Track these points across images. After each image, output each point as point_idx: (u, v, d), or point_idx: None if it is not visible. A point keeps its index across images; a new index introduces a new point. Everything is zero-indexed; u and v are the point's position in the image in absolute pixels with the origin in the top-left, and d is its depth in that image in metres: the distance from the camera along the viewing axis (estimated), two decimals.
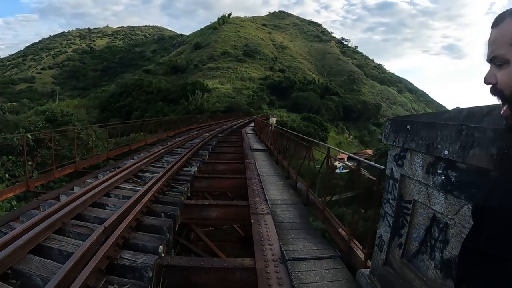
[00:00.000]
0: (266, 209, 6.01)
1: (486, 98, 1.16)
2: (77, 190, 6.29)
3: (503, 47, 1.00)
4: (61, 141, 14.02)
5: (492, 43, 1.04)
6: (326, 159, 6.47)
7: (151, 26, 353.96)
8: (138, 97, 69.52)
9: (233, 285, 3.78)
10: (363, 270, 3.40)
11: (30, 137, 10.10)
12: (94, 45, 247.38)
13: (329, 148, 6.49)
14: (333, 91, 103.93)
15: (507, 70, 0.99)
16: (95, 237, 3.98)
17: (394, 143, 2.77)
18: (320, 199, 6.23)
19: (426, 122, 2.35)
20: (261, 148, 15.88)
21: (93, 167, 12.32)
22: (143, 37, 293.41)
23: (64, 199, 5.56)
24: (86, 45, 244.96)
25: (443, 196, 2.21)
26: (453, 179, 2.09)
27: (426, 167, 2.37)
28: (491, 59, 1.04)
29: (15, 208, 9.24)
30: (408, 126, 2.55)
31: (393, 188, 2.85)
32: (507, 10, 1.04)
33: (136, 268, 3.66)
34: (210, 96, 70.61)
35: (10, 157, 10.83)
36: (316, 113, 76.57)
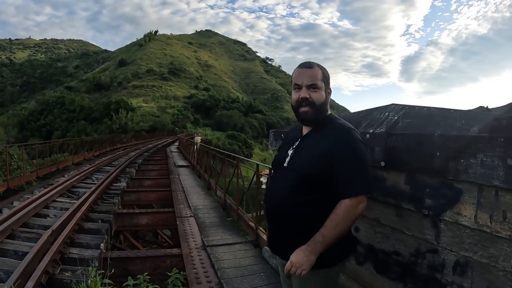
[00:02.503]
0: (190, 213, 6.82)
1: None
2: (17, 204, 6.74)
3: (317, 81, 1.78)
4: None
5: (310, 77, 1.78)
6: (255, 175, 6.60)
7: (75, 40, 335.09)
8: (60, 115, 65.35)
9: (165, 271, 4.48)
10: (266, 247, 4.42)
11: None
12: (15, 57, 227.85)
13: (257, 164, 6.63)
14: (257, 109, 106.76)
15: (318, 92, 1.78)
16: (45, 238, 4.58)
17: (276, 148, 3.86)
18: (234, 201, 7.22)
19: (286, 131, 3.49)
20: (185, 164, 16.58)
21: (23, 186, 12.29)
22: (66, 51, 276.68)
23: (7, 211, 6.00)
24: (6, 57, 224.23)
25: None
26: None
27: None
28: (309, 86, 1.77)
29: None
30: (282, 135, 3.63)
31: None
32: (316, 63, 1.83)
33: (84, 259, 4.36)
34: (134, 115, 69.11)
35: None
36: (241, 131, 78.46)
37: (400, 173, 2.12)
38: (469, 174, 1.64)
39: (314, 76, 1.78)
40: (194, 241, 5.22)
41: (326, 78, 1.82)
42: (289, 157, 1.85)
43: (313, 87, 1.77)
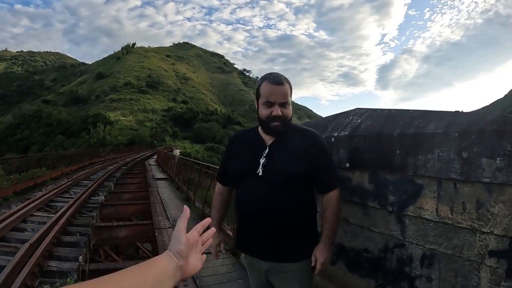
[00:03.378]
0: (168, 224, 6.81)
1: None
2: None
3: (288, 97, 1.84)
4: None
5: (282, 95, 1.82)
6: None
7: (53, 52, 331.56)
8: (37, 129, 64.39)
9: None
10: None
11: None
12: None
13: None
14: (235, 121, 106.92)
15: (288, 108, 1.84)
16: (23, 251, 4.55)
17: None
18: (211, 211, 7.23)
19: None
20: (163, 177, 16.50)
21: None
22: (43, 63, 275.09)
23: None
24: None
25: None
26: None
27: None
28: (281, 103, 1.81)
29: None
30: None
31: None
32: (283, 77, 1.86)
33: (63, 272, 4.38)
34: (113, 129, 68.40)
35: None
36: (220, 143, 78.38)
37: (364, 173, 2.23)
38: (428, 168, 1.73)
39: (286, 93, 1.84)
40: None
41: (291, 91, 1.90)
42: (261, 166, 1.86)
43: (284, 104, 1.84)
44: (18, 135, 62.50)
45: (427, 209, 1.80)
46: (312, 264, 1.86)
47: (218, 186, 2.19)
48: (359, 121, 2.34)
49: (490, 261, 1.56)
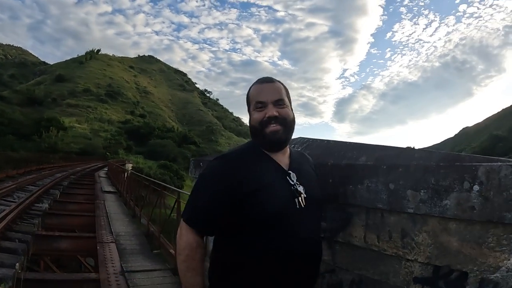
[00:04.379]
0: (111, 239, 6.67)
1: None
2: None
3: (283, 96, 1.57)
4: None
5: (275, 92, 1.56)
6: (176, 203, 6.70)
7: (15, 46, 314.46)
8: None
9: None
10: None
11: None
12: None
13: (179, 192, 6.90)
14: (191, 140, 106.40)
15: (285, 109, 1.56)
16: None
17: (194, 175, 3.99)
18: (156, 229, 7.16)
19: (206, 160, 3.64)
20: (112, 190, 16.32)
21: None
22: (3, 57, 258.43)
23: None
24: None
25: None
26: None
27: None
28: (275, 101, 1.54)
29: None
30: (201, 163, 3.77)
31: None
32: (273, 78, 1.66)
33: None
34: (66, 135, 65.78)
35: None
36: (173, 161, 77.30)
37: None
38: (357, 198, 1.86)
39: (278, 90, 1.58)
40: (113, 266, 5.13)
41: (288, 95, 1.64)
42: (302, 195, 1.53)
43: (280, 103, 1.55)
44: None
45: (355, 236, 1.90)
46: None
47: (192, 236, 1.48)
48: (299, 149, 2.47)
49: (415, 287, 1.66)
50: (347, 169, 1.94)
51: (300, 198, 1.52)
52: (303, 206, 1.51)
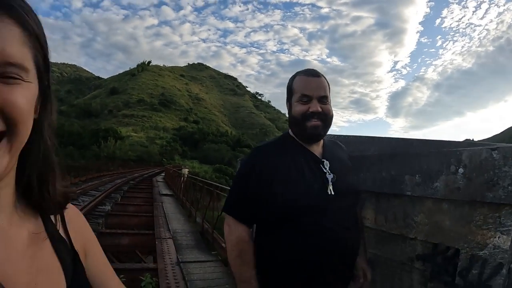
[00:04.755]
0: (169, 235, 7.26)
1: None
2: None
3: (327, 91, 1.59)
4: None
5: (318, 88, 1.56)
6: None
7: (69, 64, 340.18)
8: None
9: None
10: None
11: None
12: None
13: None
14: (244, 144, 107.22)
15: (328, 105, 1.57)
16: None
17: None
18: (209, 225, 7.67)
19: None
20: (169, 193, 17.17)
21: None
22: (59, 74, 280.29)
23: None
24: None
25: None
26: None
27: None
28: (321, 97, 1.55)
29: None
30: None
31: None
32: (319, 71, 1.63)
33: None
34: (123, 144, 69.41)
35: None
36: (228, 165, 78.64)
37: None
38: (368, 184, 2.13)
39: (324, 87, 1.59)
40: (170, 258, 5.64)
41: (329, 89, 1.65)
42: (330, 183, 1.55)
43: (324, 99, 1.58)
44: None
45: (368, 218, 2.16)
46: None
47: (243, 230, 1.55)
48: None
49: (418, 264, 1.88)
50: (359, 159, 2.20)
51: (331, 185, 1.54)
52: (334, 193, 1.52)
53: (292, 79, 1.67)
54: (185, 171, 36.77)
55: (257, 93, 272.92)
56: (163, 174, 34.49)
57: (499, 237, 1.48)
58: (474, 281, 1.53)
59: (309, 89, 1.56)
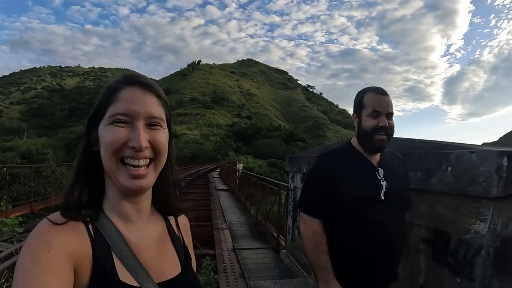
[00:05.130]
0: (225, 226, 7.99)
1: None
2: None
3: (392, 109, 1.79)
4: (34, 177, 13.76)
5: (389, 106, 1.77)
6: (277, 195, 7.52)
7: (122, 69, 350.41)
8: None
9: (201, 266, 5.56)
10: (284, 250, 5.44)
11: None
12: (64, 84, 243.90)
13: (280, 185, 7.57)
14: (298, 137, 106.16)
15: (392, 121, 1.78)
16: None
17: (289, 170, 4.91)
18: (263, 217, 8.28)
19: (296, 156, 4.52)
20: (225, 188, 17.97)
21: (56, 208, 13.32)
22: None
23: None
24: (56, 84, 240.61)
25: None
26: None
27: (301, 179, 4.48)
28: (388, 114, 1.76)
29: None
30: (293, 160, 4.67)
31: (291, 194, 4.97)
32: (386, 90, 1.83)
33: None
34: (178, 142, 71.60)
35: None
36: (282, 159, 78.55)
37: None
38: None
39: (391, 105, 1.80)
40: (226, 245, 6.37)
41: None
42: (383, 189, 1.75)
43: (390, 116, 1.79)
44: None
45: None
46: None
47: (316, 224, 1.83)
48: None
49: (423, 246, 2.30)
50: None
51: (383, 190, 1.74)
52: (385, 198, 1.73)
53: (362, 94, 1.85)
54: (240, 166, 37.45)
55: (308, 85, 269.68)
56: (218, 170, 35.29)
57: (478, 224, 1.85)
58: (461, 261, 1.90)
59: (380, 106, 1.76)
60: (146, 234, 0.86)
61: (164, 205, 0.94)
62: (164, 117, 0.84)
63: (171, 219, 0.99)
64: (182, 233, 1.01)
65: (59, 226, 0.73)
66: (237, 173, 18.16)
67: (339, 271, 1.77)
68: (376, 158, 1.83)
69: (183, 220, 1.04)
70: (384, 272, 1.77)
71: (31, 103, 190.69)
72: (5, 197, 10.69)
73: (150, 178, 0.81)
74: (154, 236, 0.88)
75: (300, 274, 4.49)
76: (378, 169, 1.79)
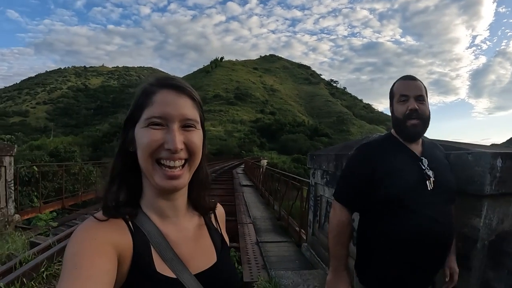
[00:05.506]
0: (249, 221, 8.28)
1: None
2: None
3: (423, 92, 1.73)
4: (64, 175, 14.28)
5: (417, 88, 1.72)
6: (299, 191, 7.86)
7: (146, 67, 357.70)
8: None
9: None
10: (305, 243, 5.71)
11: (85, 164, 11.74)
12: (89, 83, 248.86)
13: (301, 182, 7.55)
14: (322, 132, 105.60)
15: (424, 104, 1.72)
16: None
17: (310, 166, 5.16)
18: (285, 212, 8.56)
19: (317, 154, 4.77)
20: (249, 184, 18.25)
21: (94, 201, 13.73)
22: (137, 78, 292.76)
23: None
24: (81, 83, 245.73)
25: (327, 188, 4.54)
26: (329, 178, 4.46)
27: (323, 176, 4.73)
28: (417, 96, 1.70)
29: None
30: (314, 157, 4.92)
31: (312, 190, 5.24)
32: (415, 76, 1.80)
33: None
34: None
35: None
36: (306, 155, 77.44)
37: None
38: None
39: (420, 87, 1.74)
40: (250, 238, 6.68)
41: (426, 92, 1.79)
42: (431, 179, 1.67)
43: (420, 98, 1.72)
44: (114, 141, 64.91)
45: None
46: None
47: (344, 214, 1.81)
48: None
49: None
50: (344, 156, 2.94)
51: (429, 181, 1.65)
52: (432, 188, 1.64)
53: (393, 85, 1.85)
54: (264, 162, 37.58)
55: (331, 80, 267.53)
56: (243, 166, 35.35)
57: (474, 219, 2.02)
58: (460, 253, 2.00)
59: (406, 89, 1.74)
60: (182, 229, 0.91)
61: (197, 201, 0.99)
62: (198, 118, 0.87)
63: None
64: (219, 223, 1.07)
65: (102, 222, 0.79)
66: (261, 169, 18.29)
67: (378, 266, 1.71)
68: (418, 148, 1.78)
69: (220, 212, 1.11)
70: (429, 268, 1.69)
71: (57, 103, 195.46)
72: (35, 193, 11.38)
73: (185, 178, 0.85)
74: (190, 230, 0.93)
75: (320, 266, 4.75)
76: (422, 159, 1.72)
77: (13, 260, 4.83)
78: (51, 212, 9.98)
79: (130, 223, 0.83)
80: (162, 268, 0.80)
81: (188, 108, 0.83)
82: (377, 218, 1.70)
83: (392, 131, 1.85)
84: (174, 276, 0.81)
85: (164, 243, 0.84)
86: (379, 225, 1.69)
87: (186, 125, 0.83)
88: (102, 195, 0.86)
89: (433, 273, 1.71)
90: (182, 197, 0.92)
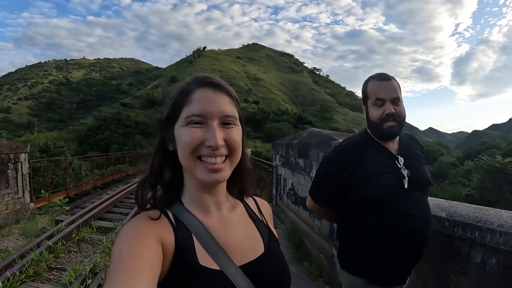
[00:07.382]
0: None
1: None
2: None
3: (399, 93, 1.72)
4: (55, 170, 15.41)
5: (392, 91, 1.71)
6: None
7: (128, 58, 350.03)
8: (116, 130, 66.75)
9: None
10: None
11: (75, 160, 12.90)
12: (71, 76, 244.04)
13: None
14: (306, 120, 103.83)
15: (400, 106, 1.73)
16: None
17: (273, 152, 6.76)
18: (266, 199, 9.99)
19: (276, 143, 6.40)
20: None
21: (83, 193, 15.19)
22: (119, 69, 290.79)
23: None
24: (63, 77, 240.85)
25: (286, 168, 6.13)
26: (283, 161, 6.06)
27: (280, 159, 6.32)
28: (393, 99, 1.71)
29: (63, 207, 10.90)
30: (274, 145, 6.50)
31: (274, 171, 6.86)
32: (389, 75, 1.78)
33: None
34: None
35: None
36: None
37: (301, 158, 4.99)
38: (311, 156, 4.43)
39: (395, 89, 1.73)
40: None
41: (400, 89, 1.77)
42: (406, 178, 1.70)
43: (396, 101, 1.72)
44: (100, 135, 64.38)
45: None
46: None
47: (315, 206, 1.98)
48: (304, 135, 5.08)
49: None
50: (307, 145, 4.62)
51: (405, 180, 1.69)
52: (408, 186, 1.69)
53: (366, 83, 1.81)
54: (248, 151, 38.69)
55: (315, 68, 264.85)
56: None
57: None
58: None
59: (381, 92, 1.71)
60: (225, 221, 0.91)
61: (240, 194, 1.01)
62: (236, 115, 0.88)
63: (252, 205, 1.04)
64: (266, 218, 1.04)
65: (147, 218, 0.82)
66: None
67: (359, 258, 1.78)
68: (394, 146, 1.80)
69: (264, 205, 1.09)
70: (409, 260, 1.76)
71: (39, 98, 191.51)
72: (41, 185, 12.75)
73: (227, 171, 0.84)
74: (233, 222, 0.93)
75: (279, 227, 6.27)
76: (398, 157, 1.75)
77: (52, 228, 6.35)
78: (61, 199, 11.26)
79: (171, 217, 0.85)
80: (205, 260, 0.81)
81: (226, 105, 0.85)
82: (355, 215, 1.79)
83: (367, 129, 1.87)
84: (218, 268, 0.81)
85: (206, 234, 0.84)
86: (356, 222, 1.78)
87: (226, 122, 0.84)
88: (140, 192, 0.89)
89: (412, 264, 1.79)
90: (223, 191, 0.93)
